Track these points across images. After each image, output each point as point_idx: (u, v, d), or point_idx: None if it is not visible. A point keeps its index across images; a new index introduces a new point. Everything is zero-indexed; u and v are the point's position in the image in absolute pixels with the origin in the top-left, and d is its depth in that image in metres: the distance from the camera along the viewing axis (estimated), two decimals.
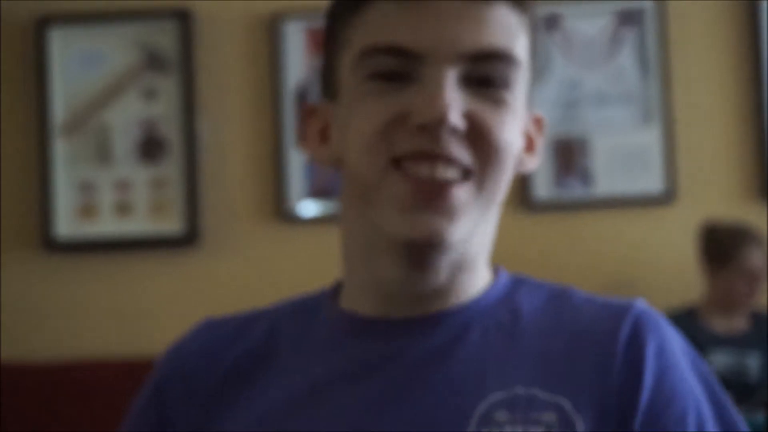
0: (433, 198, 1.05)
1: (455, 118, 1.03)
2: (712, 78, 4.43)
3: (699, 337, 3.96)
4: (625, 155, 4.39)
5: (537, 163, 1.21)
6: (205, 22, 4.51)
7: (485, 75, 1.07)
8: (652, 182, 4.37)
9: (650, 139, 4.39)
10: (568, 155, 4.40)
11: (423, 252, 1.09)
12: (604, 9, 4.45)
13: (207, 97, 4.49)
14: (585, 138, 4.41)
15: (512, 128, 1.10)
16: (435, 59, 1.05)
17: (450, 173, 1.05)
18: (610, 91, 4.44)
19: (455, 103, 1.04)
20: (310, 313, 1.21)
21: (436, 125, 1.03)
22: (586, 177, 4.40)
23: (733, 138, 4.40)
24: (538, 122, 1.21)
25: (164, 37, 4.51)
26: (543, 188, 4.38)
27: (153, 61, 4.52)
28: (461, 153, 1.05)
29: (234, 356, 1.17)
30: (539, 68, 1.17)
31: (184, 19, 4.48)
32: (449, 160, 1.05)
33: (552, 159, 4.38)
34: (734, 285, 4.02)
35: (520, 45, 1.10)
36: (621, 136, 4.40)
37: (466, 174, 1.06)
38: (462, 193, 1.06)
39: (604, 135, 4.41)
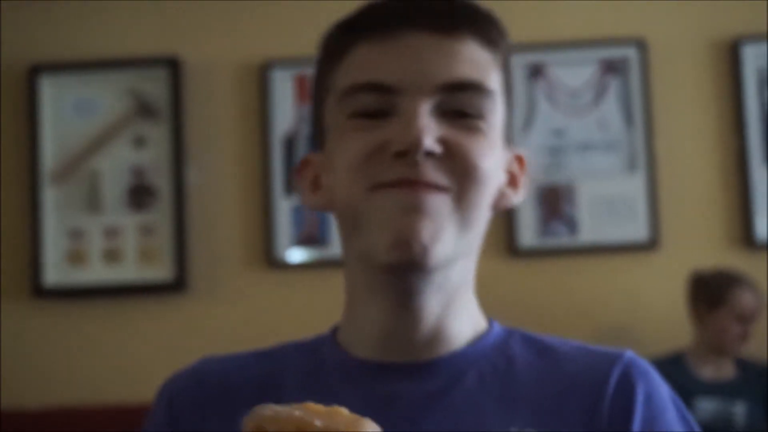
0: (410, 201, 1.07)
1: (429, 142, 1.06)
2: (696, 126, 4.45)
3: (686, 384, 3.96)
4: (609, 202, 4.40)
5: (522, 198, 1.24)
6: (194, 70, 4.52)
7: (459, 105, 1.10)
8: (636, 229, 4.38)
9: (634, 186, 4.40)
10: (554, 202, 4.41)
11: (409, 275, 1.11)
12: (588, 58, 4.48)
13: (196, 145, 4.50)
14: (570, 185, 4.42)
15: (489, 155, 1.12)
16: (410, 92, 1.09)
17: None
18: (594, 139, 4.45)
19: (429, 129, 1.07)
20: (313, 353, 1.22)
21: (412, 151, 1.06)
22: (571, 224, 4.41)
23: (716, 186, 4.42)
24: (520, 160, 1.23)
25: (154, 85, 4.51)
26: (528, 235, 4.38)
27: (143, 109, 4.52)
28: (438, 176, 1.08)
29: (241, 381, 1.19)
30: (514, 103, 1.21)
31: (173, 67, 4.49)
32: (427, 185, 1.07)
33: (537, 206, 4.39)
34: (727, 327, 4.01)
35: (492, 78, 1.14)
36: (606, 184, 4.42)
37: (444, 190, 1.09)
38: (438, 200, 1.08)
39: (589, 182, 4.42)
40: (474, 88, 1.11)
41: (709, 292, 4.04)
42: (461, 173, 1.09)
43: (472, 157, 1.09)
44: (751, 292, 4.01)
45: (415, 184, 1.07)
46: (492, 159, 1.12)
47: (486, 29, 1.14)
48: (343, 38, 1.15)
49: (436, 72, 1.09)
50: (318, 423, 0.89)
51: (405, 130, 1.07)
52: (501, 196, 1.19)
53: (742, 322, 4.01)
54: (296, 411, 0.90)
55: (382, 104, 1.10)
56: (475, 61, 1.12)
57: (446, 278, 1.13)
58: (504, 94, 1.16)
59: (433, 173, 1.07)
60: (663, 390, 1.17)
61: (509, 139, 1.19)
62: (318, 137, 1.19)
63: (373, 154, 1.09)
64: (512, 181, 1.22)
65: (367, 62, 1.11)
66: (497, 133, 1.14)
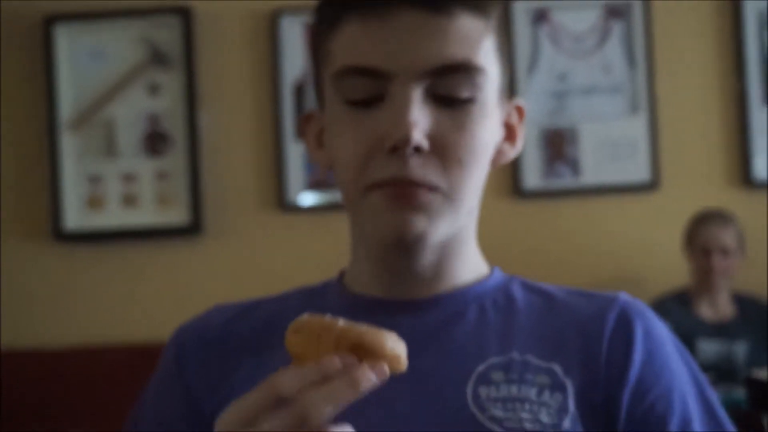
0: (401, 198, 1.09)
1: (418, 137, 1.07)
2: (696, 70, 4.44)
3: (690, 325, 3.99)
4: (612, 145, 4.40)
5: (518, 150, 1.25)
6: (205, 19, 4.51)
7: (449, 90, 1.11)
8: (638, 171, 4.38)
9: (636, 129, 4.39)
10: (557, 145, 4.40)
11: (404, 249, 1.14)
12: (591, 3, 4.46)
13: (209, 92, 4.49)
14: (573, 128, 4.42)
15: (481, 134, 1.13)
16: (400, 77, 1.09)
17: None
18: (597, 82, 4.44)
19: (419, 122, 1.08)
20: (318, 297, 1.25)
21: (401, 146, 1.07)
22: (574, 166, 4.41)
23: (715, 128, 4.41)
24: (519, 110, 1.24)
25: (167, 34, 4.51)
26: (533, 177, 4.39)
27: (156, 58, 4.52)
28: (428, 174, 1.09)
29: (244, 330, 1.20)
30: (511, 60, 1.21)
31: (185, 16, 4.47)
32: (417, 185, 1.09)
33: (541, 148, 4.39)
34: (699, 263, 4.05)
35: (484, 50, 1.13)
36: (608, 126, 4.41)
37: (434, 188, 1.11)
38: (428, 197, 1.10)
39: (592, 125, 4.41)
40: (464, 69, 1.10)
41: (688, 232, 4.09)
42: (449, 169, 1.11)
43: (459, 151, 1.11)
44: (724, 229, 4.02)
45: (406, 183, 1.09)
46: (482, 137, 1.13)
47: None
48: (335, 7, 1.14)
49: (426, 55, 1.09)
50: (341, 323, 0.92)
51: (395, 124, 1.07)
52: (499, 153, 1.21)
53: (710, 255, 4.03)
54: (326, 317, 0.93)
55: (373, 89, 1.10)
56: (466, 35, 1.11)
57: (443, 242, 1.16)
58: (498, 57, 1.16)
59: (422, 171, 1.09)
60: (660, 326, 1.19)
61: (506, 96, 1.20)
62: (320, 97, 1.20)
63: (369, 153, 1.10)
64: (510, 135, 1.23)
65: (358, 43, 1.10)
66: (492, 101, 1.15)
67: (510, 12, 4.40)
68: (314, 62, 1.20)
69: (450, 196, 1.11)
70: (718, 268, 4.04)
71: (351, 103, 1.12)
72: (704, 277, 4.07)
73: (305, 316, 0.95)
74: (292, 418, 0.88)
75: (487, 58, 1.13)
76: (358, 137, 1.11)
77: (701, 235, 4.05)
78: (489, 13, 1.14)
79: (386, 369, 0.92)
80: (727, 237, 4.04)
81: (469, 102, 1.12)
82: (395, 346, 0.93)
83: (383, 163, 1.09)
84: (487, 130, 1.14)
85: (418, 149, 1.08)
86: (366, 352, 0.92)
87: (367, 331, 0.93)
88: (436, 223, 1.11)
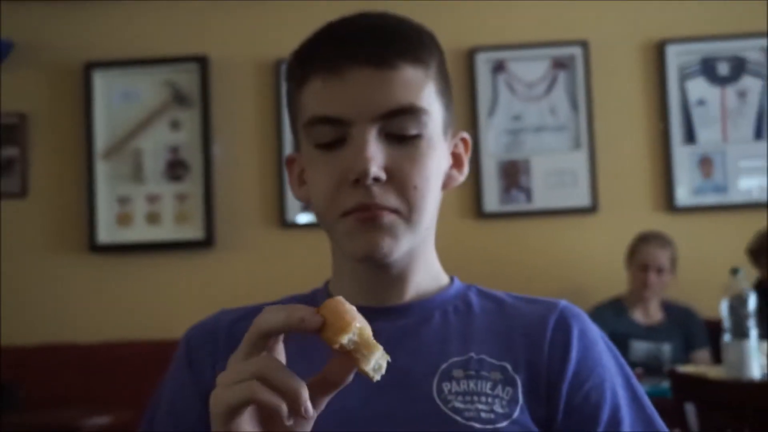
0: (369, 221, 1.10)
1: (375, 170, 1.08)
2: (628, 113, 4.44)
3: (624, 327, 3.99)
4: (558, 174, 4.40)
5: (465, 175, 1.25)
6: (220, 66, 4.50)
7: (398, 129, 1.11)
8: (580, 197, 4.38)
9: (578, 161, 4.39)
10: (513, 174, 4.40)
11: (374, 264, 1.15)
12: (541, 55, 4.46)
13: (221, 127, 4.48)
14: (526, 160, 4.41)
15: (429, 164, 1.13)
16: (357, 122, 1.10)
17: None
18: (546, 122, 4.45)
19: (376, 157, 1.09)
20: (308, 303, 1.21)
21: (363, 179, 1.08)
22: (527, 192, 4.40)
23: (644, 162, 4.41)
24: (465, 142, 1.24)
25: (187, 78, 4.50)
26: (492, 201, 4.38)
27: (178, 98, 4.51)
28: (387, 199, 1.10)
29: (246, 330, 1.17)
30: (452, 100, 1.21)
31: (203, 63, 4.47)
32: (380, 208, 1.09)
33: (499, 177, 4.39)
34: (636, 276, 4.05)
35: (425, 94, 1.13)
36: (555, 159, 4.41)
37: (394, 211, 1.11)
38: (387, 218, 1.10)
39: (541, 158, 4.41)
40: (408, 111, 1.11)
41: (630, 248, 4.09)
42: (404, 194, 1.11)
43: (412, 179, 1.11)
44: (656, 247, 4.03)
45: (371, 208, 1.09)
46: (431, 166, 1.14)
47: (417, 52, 1.13)
48: (300, 70, 1.15)
49: (377, 102, 1.10)
50: (358, 323, 0.90)
51: (356, 161, 1.08)
52: (448, 178, 1.21)
53: (647, 272, 4.03)
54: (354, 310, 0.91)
55: (337, 134, 1.11)
56: (409, 84, 1.12)
57: (406, 254, 1.16)
58: (440, 98, 1.16)
59: (383, 197, 1.09)
60: (592, 327, 1.19)
61: (450, 128, 1.20)
62: (296, 142, 1.21)
63: (337, 185, 1.11)
64: (456, 162, 1.23)
65: (321, 98, 1.12)
66: (436, 136, 1.15)
67: (473, 62, 4.41)
68: (290, 114, 1.21)
69: (409, 218, 1.11)
70: (652, 283, 4.03)
71: (320, 147, 1.13)
72: (640, 289, 4.06)
73: (341, 300, 0.92)
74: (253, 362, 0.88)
75: (429, 100, 1.13)
76: (327, 174, 1.12)
77: (641, 252, 4.04)
78: (428, 63, 1.14)
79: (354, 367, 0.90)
80: (663, 257, 4.03)
81: (416, 138, 1.12)
82: (380, 359, 0.91)
83: (349, 193, 1.10)
84: (434, 160, 1.14)
85: (377, 179, 1.09)
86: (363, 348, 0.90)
87: (371, 343, 0.91)
88: (398, 241, 1.11)
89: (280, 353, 0.93)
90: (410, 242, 1.13)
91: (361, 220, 1.10)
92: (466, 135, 1.24)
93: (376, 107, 1.10)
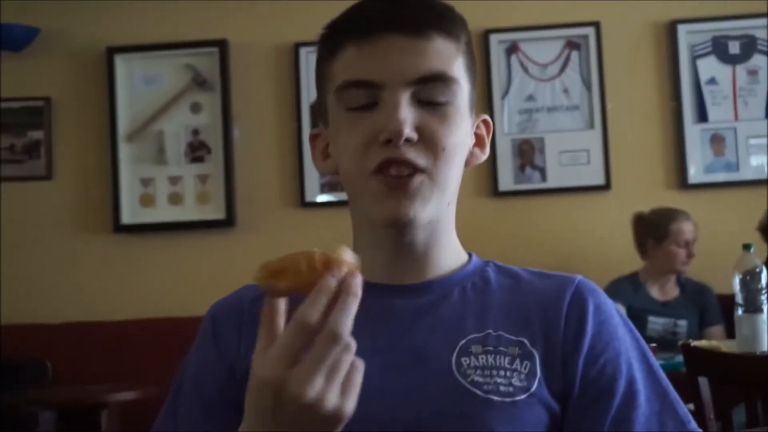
0: (398, 188, 1.10)
1: (408, 130, 1.08)
2: (640, 93, 4.43)
3: (642, 302, 3.97)
4: (571, 154, 4.39)
5: (486, 155, 1.25)
6: (239, 50, 4.50)
7: (430, 95, 1.12)
8: (593, 175, 4.37)
9: (591, 141, 4.38)
10: (527, 153, 4.39)
11: (399, 229, 1.14)
12: (554, 37, 4.45)
13: (241, 110, 4.49)
14: (540, 140, 4.40)
15: (457, 131, 1.14)
16: (390, 86, 1.10)
17: (407, 172, 1.10)
18: (559, 102, 4.43)
19: (408, 119, 1.09)
20: None
21: (395, 139, 1.08)
22: (541, 171, 4.40)
23: (656, 140, 4.40)
24: (486, 123, 1.24)
25: (207, 62, 4.50)
26: (507, 180, 4.37)
27: (198, 81, 4.51)
28: (416, 157, 1.10)
29: None
30: (476, 79, 1.21)
31: (222, 47, 4.47)
32: (407, 163, 1.09)
33: (514, 156, 4.38)
34: (675, 252, 4.01)
35: (456, 66, 1.14)
36: (568, 139, 4.40)
37: (421, 171, 1.10)
38: (417, 182, 1.10)
39: (555, 137, 4.40)
40: (441, 78, 1.12)
41: (654, 228, 4.04)
42: (434, 154, 1.11)
43: (442, 140, 1.11)
44: (686, 221, 4.01)
45: (397, 162, 1.09)
46: (459, 134, 1.14)
47: (449, 26, 1.14)
48: (334, 38, 1.16)
49: (410, 68, 1.10)
50: (305, 254, 0.92)
51: (389, 121, 1.08)
52: (471, 156, 1.21)
53: (686, 246, 4.01)
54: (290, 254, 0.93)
55: (369, 97, 1.11)
56: (442, 54, 1.12)
57: (430, 223, 1.15)
58: (468, 74, 1.17)
59: (411, 154, 1.09)
60: (608, 302, 1.19)
61: (473, 107, 1.20)
62: (324, 115, 1.21)
63: (367, 143, 1.11)
64: (479, 142, 1.23)
65: (355, 63, 1.12)
66: (464, 107, 1.15)
67: (487, 44, 4.39)
68: (319, 85, 1.21)
69: (435, 179, 1.11)
70: (690, 257, 4.02)
71: (351, 110, 1.12)
72: (681, 264, 4.02)
73: (272, 261, 0.93)
74: (329, 342, 0.87)
75: (460, 72, 1.14)
76: (358, 134, 1.11)
77: (679, 229, 3.99)
78: (459, 37, 1.15)
79: (359, 276, 0.92)
80: (695, 232, 4.03)
81: (447, 105, 1.12)
82: (347, 254, 0.93)
83: (379, 151, 1.10)
84: (462, 129, 1.15)
85: (408, 140, 1.09)
86: (332, 266, 0.91)
87: (330, 251, 0.93)
88: (425, 205, 1.11)
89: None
90: (435, 208, 1.13)
91: (390, 185, 1.10)
92: (487, 117, 1.24)
93: (409, 72, 1.10)
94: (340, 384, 0.89)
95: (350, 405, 0.90)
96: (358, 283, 0.91)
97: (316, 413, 0.88)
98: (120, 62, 4.50)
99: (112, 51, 4.49)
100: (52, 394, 3.94)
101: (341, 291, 0.90)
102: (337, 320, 0.88)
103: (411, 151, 1.09)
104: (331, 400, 0.88)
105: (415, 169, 1.10)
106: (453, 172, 1.14)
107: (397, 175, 1.10)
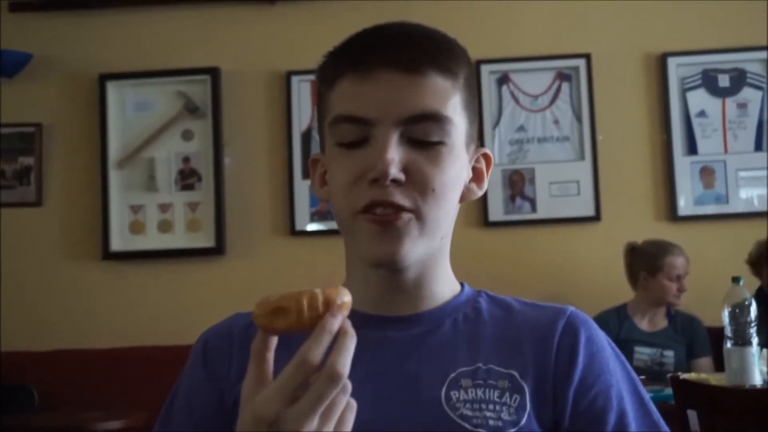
0: (385, 226, 1.09)
1: (394, 171, 1.07)
2: (630, 125, 4.44)
3: (628, 333, 3.97)
4: (562, 184, 4.39)
5: (483, 190, 1.24)
6: (230, 78, 4.51)
7: (421, 134, 1.10)
8: (583, 206, 4.38)
9: (582, 172, 4.39)
10: (518, 184, 4.40)
11: (389, 268, 1.14)
12: (545, 68, 4.47)
13: (232, 137, 4.49)
14: (531, 170, 4.42)
15: (450, 170, 1.12)
16: (381, 123, 1.09)
17: (393, 212, 1.09)
18: (550, 133, 4.45)
19: (395, 159, 1.08)
20: None
21: (382, 178, 1.07)
22: (531, 201, 4.40)
23: (646, 172, 4.41)
24: (486, 157, 1.23)
25: (198, 90, 4.51)
26: (497, 210, 4.38)
27: (189, 109, 4.51)
28: (402, 198, 1.09)
29: None
30: (476, 114, 1.21)
31: (214, 75, 4.48)
32: (392, 205, 1.09)
33: (504, 187, 4.39)
34: (668, 286, 4.00)
35: (451, 104, 1.12)
36: (559, 169, 4.41)
37: (408, 210, 1.10)
38: (403, 221, 1.09)
39: (545, 168, 4.41)
40: (433, 118, 1.10)
41: (648, 260, 4.03)
42: (422, 195, 1.10)
43: (431, 180, 1.10)
44: (680, 256, 4.01)
45: (386, 205, 1.09)
46: (451, 173, 1.13)
47: (446, 62, 1.13)
48: (332, 69, 1.15)
49: (403, 106, 1.09)
50: (306, 295, 0.92)
51: (377, 161, 1.08)
52: (467, 191, 1.20)
53: (677, 281, 4.01)
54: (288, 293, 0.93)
55: (360, 133, 1.10)
56: (436, 91, 1.11)
57: (422, 260, 1.15)
58: (465, 111, 1.16)
59: (398, 197, 1.09)
60: (600, 334, 1.18)
61: (473, 142, 1.19)
62: (321, 142, 1.20)
63: (355, 181, 1.10)
64: (477, 177, 1.22)
65: (349, 97, 1.11)
66: (459, 145, 1.14)
67: (479, 74, 4.41)
68: (318, 114, 1.20)
69: (424, 220, 1.10)
70: (681, 291, 4.02)
71: (342, 145, 1.12)
72: (674, 297, 4.02)
73: (271, 297, 0.93)
74: (327, 381, 0.87)
75: (455, 110, 1.13)
76: (347, 171, 1.11)
77: (673, 264, 3.99)
78: (457, 74, 1.14)
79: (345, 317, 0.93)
80: (687, 266, 4.03)
81: (438, 144, 1.11)
82: (346, 297, 0.93)
83: (366, 190, 1.09)
84: (455, 168, 1.14)
85: (395, 181, 1.08)
86: (334, 308, 0.92)
87: (331, 291, 0.93)
88: (414, 245, 1.11)
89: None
90: (426, 248, 1.13)
91: (378, 222, 1.09)
92: (488, 151, 1.24)
93: (402, 110, 1.09)
94: (335, 423, 0.89)
95: None
96: (351, 329, 0.92)
97: None
98: (112, 89, 4.50)
99: (104, 77, 4.49)
100: (39, 420, 3.91)
101: (341, 332, 0.90)
102: (337, 360, 0.88)
103: (397, 192, 1.09)
104: None
105: (401, 209, 1.09)
106: (444, 211, 1.13)
107: (382, 214, 1.09)
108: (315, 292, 0.92)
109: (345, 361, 0.88)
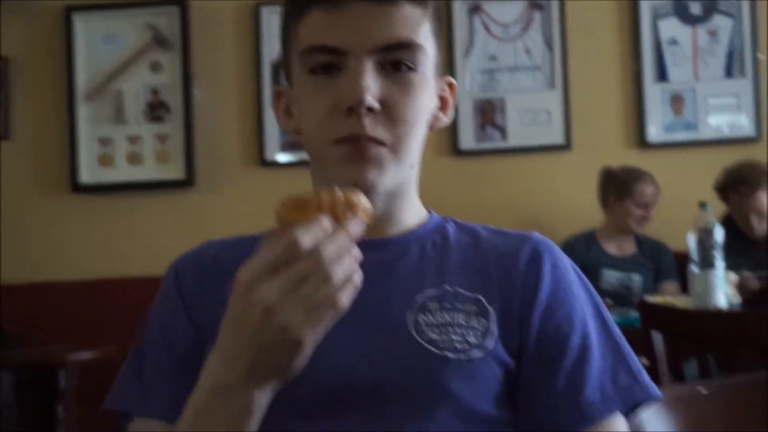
0: (359, 153, 1.10)
1: (370, 100, 1.09)
2: (602, 53, 4.43)
3: (596, 257, 4.01)
4: (533, 113, 4.40)
5: (450, 118, 1.25)
6: (200, 9, 4.46)
7: (394, 60, 1.12)
8: (553, 135, 4.38)
9: (552, 101, 4.39)
10: (489, 113, 4.40)
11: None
12: None
13: (201, 69, 4.45)
14: (502, 99, 4.41)
15: (421, 98, 1.14)
16: (355, 53, 1.10)
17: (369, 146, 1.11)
18: (521, 62, 4.44)
19: (371, 88, 1.09)
20: None
21: (357, 107, 1.08)
22: (502, 130, 4.41)
23: (617, 100, 4.41)
24: (451, 86, 1.25)
25: (167, 21, 4.46)
26: (468, 139, 4.38)
27: (158, 41, 4.47)
28: (378, 131, 1.10)
29: (232, 259, 1.15)
30: (443, 34, 1.21)
31: (183, 6, 4.42)
32: (369, 139, 1.10)
33: (475, 116, 4.39)
34: (632, 212, 4.04)
35: (423, 32, 1.14)
36: (530, 98, 4.41)
37: (382, 144, 1.11)
38: (376, 151, 1.11)
39: (516, 97, 4.41)
40: (405, 46, 1.12)
41: (618, 184, 4.06)
42: (395, 127, 1.12)
43: (403, 111, 1.12)
44: (650, 184, 4.04)
45: (361, 139, 1.10)
46: (422, 102, 1.15)
47: None
48: (299, 1, 1.15)
49: (375, 35, 1.10)
50: (323, 193, 0.94)
51: (351, 88, 1.09)
52: (435, 119, 1.21)
53: (644, 208, 4.05)
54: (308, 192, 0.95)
55: (333, 62, 1.11)
56: (408, 20, 1.12)
57: (391, 188, 1.16)
58: (434, 39, 1.17)
59: (374, 128, 1.10)
60: (564, 259, 1.20)
61: (440, 72, 1.20)
62: (288, 74, 1.21)
63: (330, 111, 1.11)
64: (444, 105, 1.24)
65: (321, 27, 1.12)
66: (429, 73, 1.16)
67: (450, 3, 4.39)
68: (284, 45, 1.20)
69: (396, 150, 1.12)
70: (649, 219, 4.06)
71: (314, 73, 1.13)
72: (638, 224, 4.05)
73: (294, 196, 0.95)
74: (309, 262, 0.89)
75: (425, 38, 1.14)
76: (321, 100, 1.12)
77: (642, 191, 4.02)
78: (426, 2, 1.15)
79: (364, 221, 0.95)
80: (657, 195, 4.06)
81: (411, 72, 1.13)
82: (364, 200, 0.95)
83: (341, 121, 1.10)
84: (426, 97, 1.15)
85: (370, 109, 1.09)
86: (346, 208, 0.94)
87: (344, 193, 0.95)
88: (384, 173, 1.12)
89: None
90: (395, 176, 1.14)
91: (350, 152, 1.10)
92: (452, 80, 1.25)
93: (375, 39, 1.10)
94: (309, 310, 0.90)
95: (310, 337, 0.91)
96: (357, 229, 0.94)
97: (277, 328, 0.89)
98: (79, 21, 4.44)
99: (71, 10, 4.43)
100: (10, 354, 3.92)
101: (344, 231, 0.93)
102: (326, 247, 0.90)
103: (371, 123, 1.10)
104: (294, 318, 0.89)
105: (378, 143, 1.10)
106: (415, 140, 1.15)
107: (357, 144, 1.10)
108: (334, 191, 0.94)
109: (333, 250, 0.90)
